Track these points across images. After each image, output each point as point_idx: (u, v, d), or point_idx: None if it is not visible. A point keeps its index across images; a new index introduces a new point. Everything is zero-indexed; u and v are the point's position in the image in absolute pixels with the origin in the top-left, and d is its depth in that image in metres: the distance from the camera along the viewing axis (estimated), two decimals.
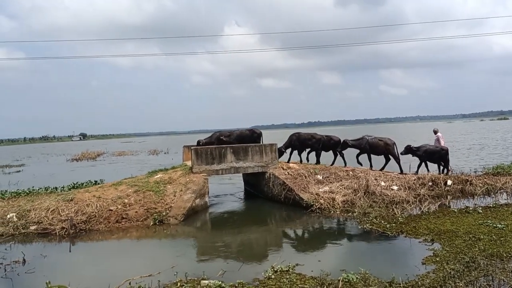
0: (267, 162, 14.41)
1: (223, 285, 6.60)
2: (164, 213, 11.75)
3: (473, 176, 14.52)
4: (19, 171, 33.36)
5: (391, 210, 11.33)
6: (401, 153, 15.31)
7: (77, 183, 16.43)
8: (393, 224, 9.92)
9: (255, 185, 15.70)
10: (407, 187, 13.41)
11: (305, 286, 6.51)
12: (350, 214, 11.47)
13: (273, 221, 12.53)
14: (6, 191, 15.12)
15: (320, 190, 13.09)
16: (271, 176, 14.13)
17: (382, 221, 10.25)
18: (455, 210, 11.18)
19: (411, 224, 9.86)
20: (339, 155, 15.92)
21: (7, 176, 28.59)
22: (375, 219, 10.49)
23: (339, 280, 6.54)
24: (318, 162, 15.94)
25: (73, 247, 10.01)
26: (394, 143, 15.53)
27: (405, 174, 14.83)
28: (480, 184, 13.65)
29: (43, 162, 44.69)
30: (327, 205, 12.22)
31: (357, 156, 15.58)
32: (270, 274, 7.00)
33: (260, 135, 16.43)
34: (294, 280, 6.74)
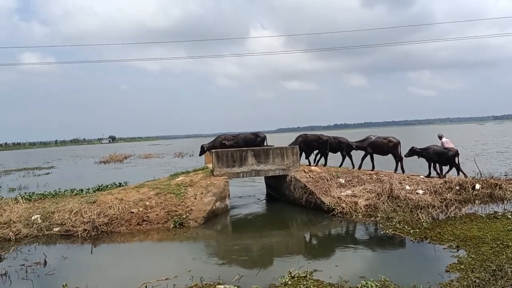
0: (288, 165, 14.26)
1: None
2: (184, 216, 11.77)
3: (503, 180, 13.95)
4: (49, 173, 34.24)
5: (415, 215, 10.98)
6: (405, 156, 15.01)
7: (102, 185, 16.74)
8: (417, 230, 9.60)
9: (277, 188, 15.57)
10: (433, 191, 12.99)
11: None
12: (372, 218, 11.19)
13: (294, 225, 12.38)
14: (34, 193, 15.52)
15: (342, 193, 12.84)
16: (292, 179, 13.98)
17: (406, 226, 9.95)
18: (483, 215, 10.74)
19: (436, 230, 9.52)
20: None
21: (37, 178, 29.38)
22: (398, 224, 10.20)
23: (357, 287, 6.36)
24: (325, 163, 15.68)
25: (95, 249, 10.12)
26: (399, 142, 15.29)
27: (431, 177, 14.41)
28: (510, 188, 13.10)
29: (72, 164, 45.76)
30: (349, 209, 11.96)
31: (362, 158, 15.47)
32: (286, 280, 6.87)
33: (264, 139, 16.22)
34: (311, 286, 6.59)
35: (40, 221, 11.65)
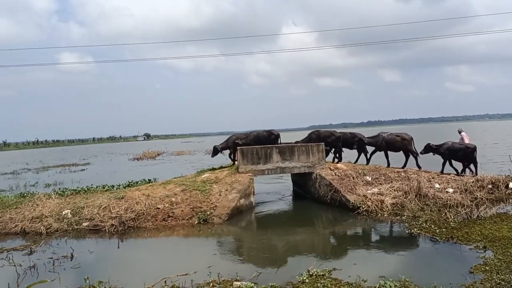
0: (313, 163, 14.14)
1: (255, 287, 6.53)
2: (208, 212, 11.88)
3: None
4: (84, 169, 35.32)
5: (443, 214, 10.67)
6: (421, 153, 14.62)
7: (132, 181, 17.08)
8: (444, 229, 9.33)
9: (303, 186, 15.49)
10: (463, 189, 12.58)
11: None
12: (398, 217, 10.96)
13: (318, 223, 12.28)
14: (66, 188, 16.02)
15: (368, 191, 12.63)
16: (317, 176, 13.86)
17: (432, 226, 9.68)
18: None
19: (463, 230, 9.22)
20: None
21: (72, 174, 30.37)
22: (424, 224, 9.93)
23: (375, 287, 6.25)
24: (340, 159, 15.46)
25: (122, 244, 10.37)
26: (412, 138, 14.95)
27: (463, 175, 13.96)
28: None
29: (107, 161, 47.04)
30: (374, 207, 11.75)
31: (371, 154, 15.31)
32: (304, 278, 6.83)
33: (277, 136, 15.99)
34: (329, 285, 6.52)
35: (70, 216, 12.04)
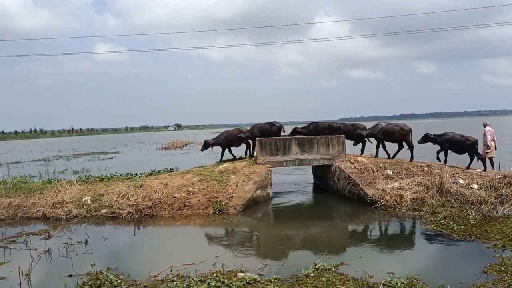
0: (333, 155, 13.90)
1: (258, 279, 6.47)
2: (224, 203, 11.88)
3: None
4: (113, 157, 36.07)
5: (464, 210, 10.29)
6: (418, 142, 14.29)
7: (154, 170, 17.26)
8: (462, 226, 8.99)
9: (322, 178, 15.28)
10: (489, 186, 12.06)
11: (342, 287, 6.14)
12: (416, 213, 10.65)
13: (334, 216, 12.12)
14: (91, 176, 16.39)
15: (388, 186, 12.31)
16: (336, 169, 13.62)
17: (451, 223, 9.35)
18: None
19: (483, 227, 8.86)
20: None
21: (100, 162, 31.06)
22: (443, 220, 9.61)
23: (380, 284, 6.07)
24: (362, 152, 15.22)
25: (137, 231, 10.54)
26: (410, 129, 14.67)
27: (488, 171, 13.41)
28: None
29: (136, 150, 47.88)
30: (393, 202, 11.45)
31: (377, 146, 14.85)
32: (309, 272, 6.72)
33: (280, 128, 15.70)
34: (333, 280, 6.39)
35: (90, 202, 12.30)
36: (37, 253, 8.32)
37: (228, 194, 12.41)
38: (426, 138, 14.24)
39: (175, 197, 12.28)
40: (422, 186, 12.11)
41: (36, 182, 15.82)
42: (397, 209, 11.11)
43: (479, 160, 13.76)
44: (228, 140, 16.03)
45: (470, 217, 9.68)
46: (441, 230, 8.94)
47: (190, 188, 12.66)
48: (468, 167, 13.63)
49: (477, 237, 8.28)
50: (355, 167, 13.44)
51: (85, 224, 11.03)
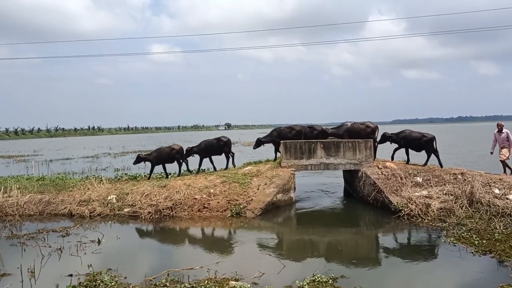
0: (360, 160, 13.40)
1: None
2: (242, 206, 11.77)
3: None
4: None
5: (493, 223, 9.54)
6: (378, 142, 13.94)
7: (185, 170, 17.41)
8: (485, 241, 8.31)
9: (351, 184, 14.79)
10: None
11: None
12: (441, 224, 10.00)
13: (354, 224, 11.59)
14: (125, 174, 16.85)
15: (416, 194, 11.68)
16: (363, 175, 13.12)
17: (474, 236, 8.67)
18: None
19: (508, 243, 8.14)
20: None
21: None
22: (466, 233, 8.95)
23: None
24: None
25: (154, 232, 10.68)
26: (377, 127, 14.43)
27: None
28: None
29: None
30: (418, 211, 10.85)
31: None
32: (304, 284, 6.45)
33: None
34: None
35: (115, 201, 12.61)
36: (49, 250, 8.59)
37: (248, 197, 12.29)
38: (384, 138, 14.04)
39: (195, 199, 12.32)
40: (452, 195, 11.39)
41: (73, 179, 16.47)
42: (422, 219, 10.50)
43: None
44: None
45: (496, 230, 8.94)
46: (461, 243, 8.32)
47: (212, 190, 12.66)
48: (425, 164, 13.60)
49: (498, 253, 7.62)
50: (382, 173, 12.88)
51: (107, 222, 11.35)
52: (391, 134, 13.93)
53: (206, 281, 6.62)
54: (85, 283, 6.65)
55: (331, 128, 15.03)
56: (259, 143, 15.63)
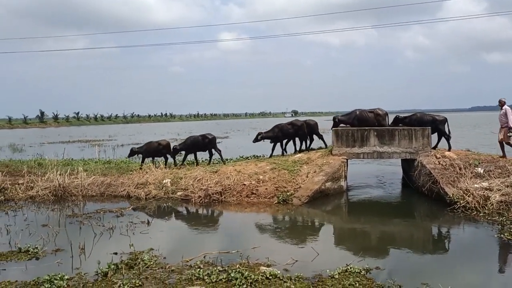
0: (416, 148, 12.78)
1: (279, 274, 6.33)
2: (289, 193, 11.75)
3: None
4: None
5: None
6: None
7: (242, 156, 17.73)
8: None
9: (407, 173, 14.19)
10: None
11: None
12: (497, 218, 9.32)
13: (405, 215, 11.08)
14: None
15: (475, 185, 10.96)
16: (418, 164, 12.52)
17: None
18: None
19: None
20: None
21: None
22: None
23: None
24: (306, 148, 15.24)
25: (203, 215, 11.04)
26: (386, 114, 14.12)
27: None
28: None
29: (245, 135, 49.49)
30: (475, 204, 10.19)
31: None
32: (335, 273, 6.34)
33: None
34: (356, 285, 5.94)
35: (169, 185, 13.15)
36: (102, 229, 9.18)
37: (296, 184, 12.25)
38: (396, 121, 14.14)
39: (244, 184, 12.51)
40: None
41: (137, 163, 17.36)
42: (477, 212, 9.85)
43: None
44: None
45: None
46: None
47: (261, 177, 12.77)
48: (435, 147, 13.39)
49: None
50: (439, 163, 12.21)
51: (160, 204, 11.89)
52: (404, 117, 13.69)
53: (238, 266, 6.75)
54: (126, 261, 7.05)
55: (341, 116, 14.87)
56: (259, 137, 15.67)
